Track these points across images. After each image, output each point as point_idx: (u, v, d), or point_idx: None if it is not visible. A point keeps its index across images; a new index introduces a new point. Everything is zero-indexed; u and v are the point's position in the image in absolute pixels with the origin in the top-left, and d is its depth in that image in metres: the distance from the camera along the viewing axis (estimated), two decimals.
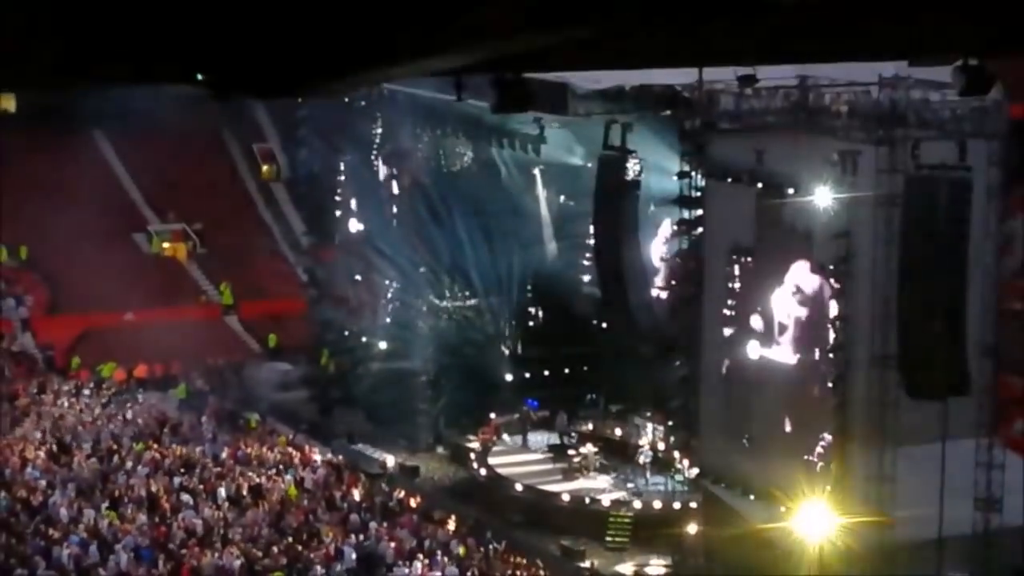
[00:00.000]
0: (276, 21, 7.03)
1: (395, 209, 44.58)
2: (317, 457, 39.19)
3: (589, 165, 38.11)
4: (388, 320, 44.69)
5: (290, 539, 32.06)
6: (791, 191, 31.05)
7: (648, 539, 34.73)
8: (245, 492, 35.13)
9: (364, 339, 45.01)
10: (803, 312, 31.78)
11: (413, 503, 35.77)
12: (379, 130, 44.79)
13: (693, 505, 34.38)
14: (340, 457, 39.97)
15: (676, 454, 36.51)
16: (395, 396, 43.19)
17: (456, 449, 41.29)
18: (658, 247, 38.36)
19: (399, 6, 6.91)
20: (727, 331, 33.41)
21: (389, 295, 45.73)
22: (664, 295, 37.64)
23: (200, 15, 6.90)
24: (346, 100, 42.82)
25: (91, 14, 6.81)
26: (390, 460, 40.80)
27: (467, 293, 43.70)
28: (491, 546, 32.76)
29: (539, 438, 41.11)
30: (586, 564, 34.02)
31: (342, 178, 47.72)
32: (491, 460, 39.74)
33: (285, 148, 57.20)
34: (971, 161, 28.58)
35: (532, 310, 44.22)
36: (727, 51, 11.19)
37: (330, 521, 33.61)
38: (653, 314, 36.25)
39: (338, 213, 48.31)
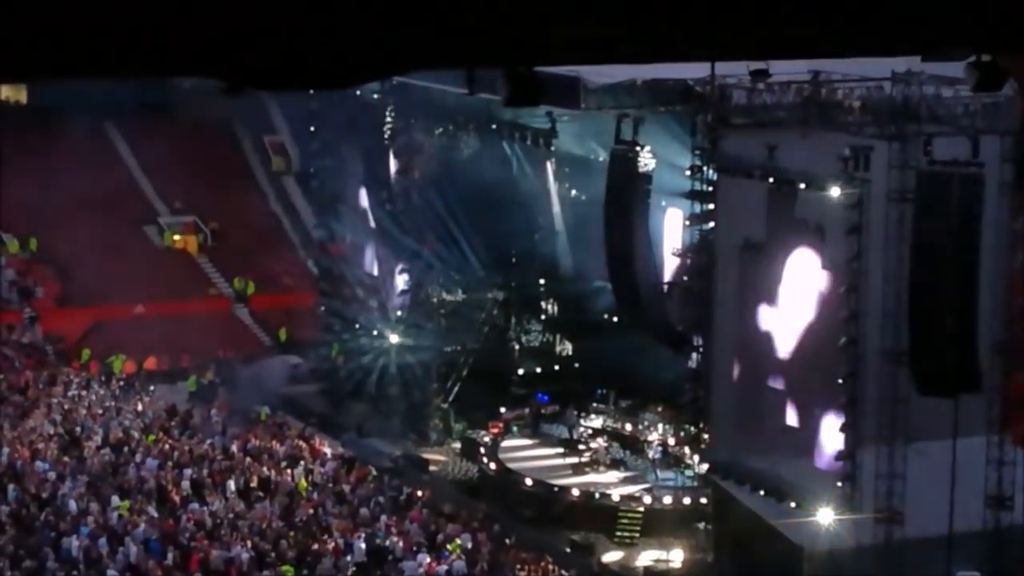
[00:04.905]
0: (292, 17, 6.99)
1: (406, 202, 44.47)
2: (327, 450, 39.12)
3: (601, 159, 37.95)
4: (398, 313, 44.60)
5: (299, 532, 32.03)
6: (802, 186, 30.98)
7: (658, 534, 34.63)
8: (255, 485, 35.12)
9: (374, 332, 44.89)
10: (814, 308, 31.68)
11: (422, 497, 35.72)
12: (390, 123, 44.67)
13: (703, 501, 34.23)
14: (350, 451, 39.93)
15: (686, 449, 36.42)
16: (405, 390, 43.15)
17: (466, 443, 41.13)
18: (669, 241, 38.20)
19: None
20: (737, 326, 33.35)
21: (399, 288, 45.65)
22: (675, 290, 37.47)
23: (217, 6, 6.86)
24: (357, 93, 42.70)
25: (106, 4, 6.77)
26: (399, 454, 40.75)
27: (477, 287, 43.58)
28: (500, 540, 32.71)
29: (549, 432, 41.06)
30: (595, 559, 33.90)
31: (353, 171, 47.62)
32: (501, 454, 39.58)
33: (296, 141, 57.09)
34: (983, 157, 28.50)
35: (543, 304, 44.16)
36: (740, 45, 11.09)
37: (339, 515, 33.56)
38: (663, 308, 36.12)
39: (348, 206, 48.20)
